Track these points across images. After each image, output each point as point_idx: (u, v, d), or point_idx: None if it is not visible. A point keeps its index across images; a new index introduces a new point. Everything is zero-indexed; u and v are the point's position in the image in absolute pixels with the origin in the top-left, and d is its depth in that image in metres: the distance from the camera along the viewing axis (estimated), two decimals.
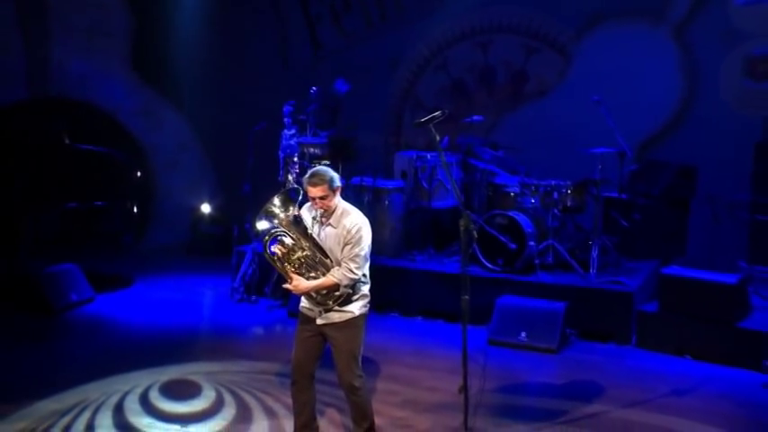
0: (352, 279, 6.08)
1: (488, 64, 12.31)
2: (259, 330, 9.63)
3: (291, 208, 6.05)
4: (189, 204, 13.14)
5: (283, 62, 13.39)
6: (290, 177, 10.76)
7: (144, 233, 13.04)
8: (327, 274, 6.06)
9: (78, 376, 7.99)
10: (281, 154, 10.94)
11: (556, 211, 9.74)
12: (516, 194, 9.97)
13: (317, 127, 11.25)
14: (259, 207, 10.10)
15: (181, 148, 13.53)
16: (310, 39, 13.31)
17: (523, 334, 8.89)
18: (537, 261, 9.64)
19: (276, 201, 6.06)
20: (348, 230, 6.09)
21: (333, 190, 6.12)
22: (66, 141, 11.09)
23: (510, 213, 9.67)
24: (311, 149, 10.88)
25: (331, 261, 6.11)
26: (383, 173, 11.13)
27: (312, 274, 6.09)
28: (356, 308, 6.20)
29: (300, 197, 6.13)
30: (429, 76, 12.72)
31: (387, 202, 10.37)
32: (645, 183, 10.12)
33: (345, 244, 6.09)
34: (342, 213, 6.17)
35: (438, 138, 6.80)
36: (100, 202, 11.06)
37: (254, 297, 10.49)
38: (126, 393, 7.64)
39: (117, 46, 13.04)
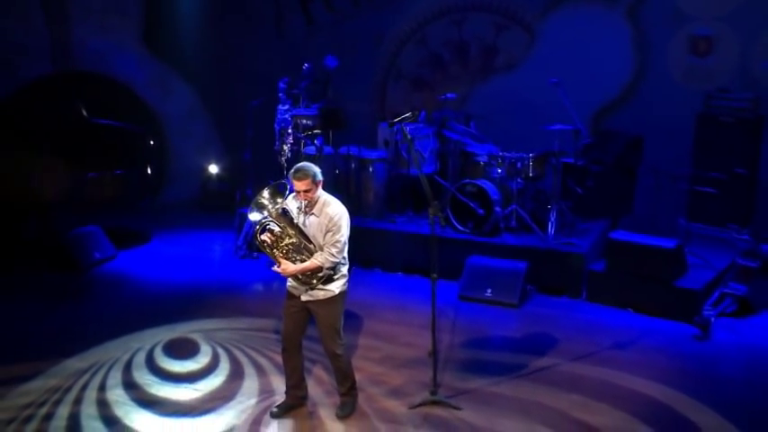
0: (333, 262, 6.22)
1: (462, 39, 12.26)
2: (259, 286, 9.77)
3: (279, 200, 6.15)
4: (198, 165, 13.21)
5: (279, 36, 13.30)
6: (284, 148, 10.81)
7: (160, 191, 13.13)
8: (311, 258, 6.21)
9: (101, 334, 8.17)
10: (276, 127, 10.96)
11: (519, 179, 9.83)
12: (485, 164, 10.05)
13: (308, 100, 11.27)
14: (257, 177, 10.27)
15: (190, 115, 13.52)
16: (303, 15, 13.21)
17: (489, 290, 9.07)
18: (502, 225, 9.78)
19: (266, 194, 6.15)
20: (330, 219, 6.22)
21: (315, 183, 6.24)
22: (84, 114, 11.12)
23: (479, 182, 9.76)
24: (304, 121, 10.91)
25: (314, 246, 6.24)
26: (369, 140, 11.21)
27: (298, 258, 6.24)
28: (337, 287, 6.36)
29: (287, 190, 6.25)
30: (410, 50, 12.67)
31: (371, 170, 10.44)
32: (598, 151, 10.19)
33: (327, 231, 6.22)
34: (324, 204, 6.29)
35: (410, 136, 6.89)
36: (119, 171, 11.13)
37: (255, 254, 10.61)
38: (137, 351, 7.84)
39: (130, 24, 12.95)
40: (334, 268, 6.30)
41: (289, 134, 10.80)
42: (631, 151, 10.22)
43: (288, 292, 6.46)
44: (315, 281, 6.28)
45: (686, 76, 10.62)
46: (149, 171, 11.57)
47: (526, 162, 9.77)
